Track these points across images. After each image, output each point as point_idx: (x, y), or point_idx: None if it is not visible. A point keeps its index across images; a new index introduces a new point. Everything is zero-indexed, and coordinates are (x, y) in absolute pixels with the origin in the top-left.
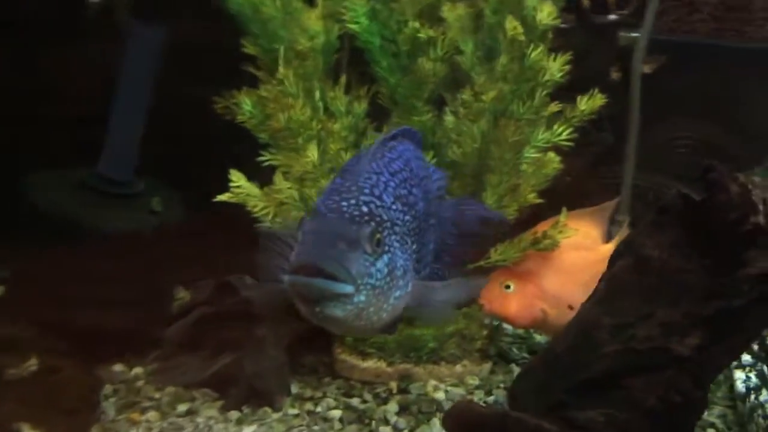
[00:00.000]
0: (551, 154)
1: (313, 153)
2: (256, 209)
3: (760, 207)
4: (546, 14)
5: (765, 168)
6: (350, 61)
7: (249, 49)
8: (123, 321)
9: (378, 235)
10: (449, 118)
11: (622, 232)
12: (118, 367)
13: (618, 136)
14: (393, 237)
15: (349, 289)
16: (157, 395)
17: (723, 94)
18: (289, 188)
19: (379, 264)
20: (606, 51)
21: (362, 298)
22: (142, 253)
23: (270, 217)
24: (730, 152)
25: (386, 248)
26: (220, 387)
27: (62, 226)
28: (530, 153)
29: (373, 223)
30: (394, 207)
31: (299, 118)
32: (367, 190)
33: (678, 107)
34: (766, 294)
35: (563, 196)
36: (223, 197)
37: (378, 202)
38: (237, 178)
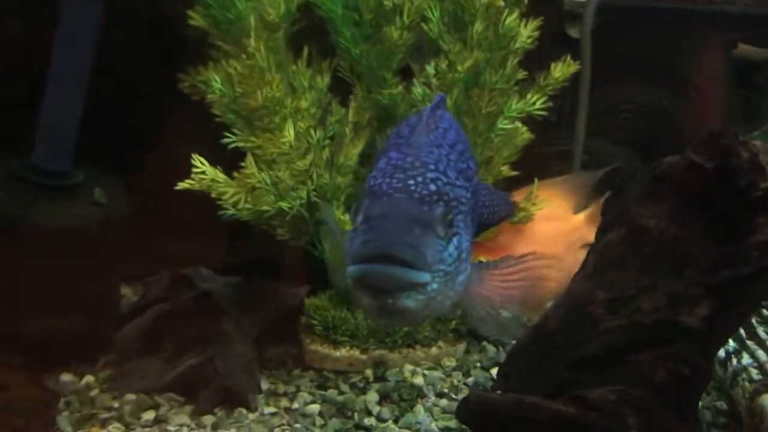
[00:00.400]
0: (518, 124)
1: (290, 132)
2: (225, 196)
3: None
4: None
5: (764, 131)
6: (308, 32)
7: (196, 21)
8: (67, 325)
9: (449, 216)
10: (418, 90)
11: (595, 204)
12: (66, 377)
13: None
14: (459, 216)
15: (426, 277)
16: (115, 404)
17: (669, 58)
18: (261, 172)
19: (450, 248)
20: (552, 15)
21: (435, 286)
22: (86, 249)
23: (242, 204)
24: (675, 117)
25: (455, 230)
26: (187, 390)
27: None
28: (504, 124)
29: (442, 203)
30: (458, 183)
31: (275, 95)
32: (432, 166)
33: (623, 72)
34: None
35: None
36: (184, 184)
37: (444, 179)
38: (200, 163)
